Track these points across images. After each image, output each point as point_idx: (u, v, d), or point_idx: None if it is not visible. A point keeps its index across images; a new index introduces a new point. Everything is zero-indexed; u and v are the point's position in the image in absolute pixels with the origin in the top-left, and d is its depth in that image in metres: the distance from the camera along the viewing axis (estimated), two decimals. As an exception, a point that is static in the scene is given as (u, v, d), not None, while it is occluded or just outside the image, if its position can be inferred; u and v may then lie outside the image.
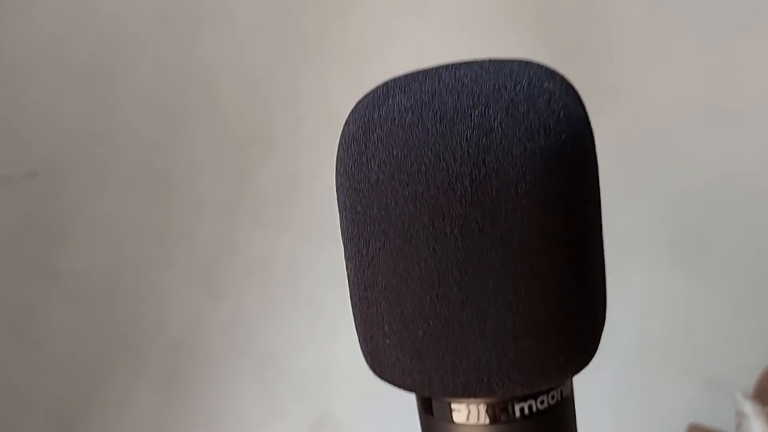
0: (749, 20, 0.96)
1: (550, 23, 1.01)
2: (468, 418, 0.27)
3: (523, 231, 0.24)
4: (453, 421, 0.27)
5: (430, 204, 0.24)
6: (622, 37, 1.02)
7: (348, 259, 0.27)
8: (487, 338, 0.25)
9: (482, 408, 0.26)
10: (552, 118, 0.24)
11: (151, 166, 1.05)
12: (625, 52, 1.01)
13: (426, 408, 0.28)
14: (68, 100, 1.06)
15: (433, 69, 0.26)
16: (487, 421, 0.26)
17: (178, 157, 1.05)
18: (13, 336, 1.00)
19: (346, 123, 0.27)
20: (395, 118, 0.25)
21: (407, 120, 0.25)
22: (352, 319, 0.28)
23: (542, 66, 0.27)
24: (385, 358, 0.26)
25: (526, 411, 0.26)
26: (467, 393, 0.25)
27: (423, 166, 0.24)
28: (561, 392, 0.27)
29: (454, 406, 0.27)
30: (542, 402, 0.27)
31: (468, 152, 0.24)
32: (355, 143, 0.25)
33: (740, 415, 0.75)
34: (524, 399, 0.26)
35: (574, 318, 0.25)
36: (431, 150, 0.24)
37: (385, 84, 0.27)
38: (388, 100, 0.26)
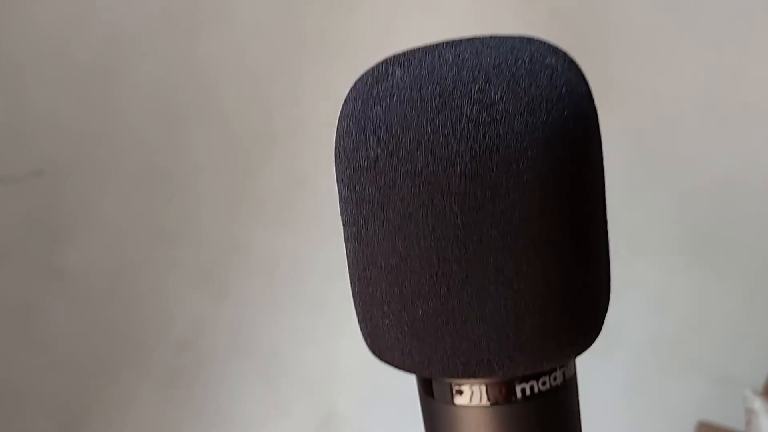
0: (760, 17, 0.95)
1: (558, 21, 1.01)
2: (469, 400, 0.26)
3: (525, 207, 0.23)
4: (454, 403, 0.26)
5: (429, 181, 0.23)
6: (632, 34, 1.01)
7: (347, 239, 0.26)
8: (487, 317, 0.24)
9: (483, 389, 0.26)
10: (554, 93, 0.24)
11: (154, 165, 1.05)
12: (635, 49, 1.01)
13: (427, 390, 0.27)
14: (71, 101, 1.06)
15: (432, 45, 0.26)
16: (488, 402, 0.26)
17: (180, 156, 1.05)
18: (17, 335, 1.00)
19: (345, 101, 0.26)
20: (394, 94, 0.24)
21: (406, 96, 0.24)
22: (356, 316, 0.28)
23: (544, 42, 0.26)
24: (385, 339, 0.26)
25: (528, 392, 0.26)
26: (467, 373, 0.25)
27: (422, 142, 0.23)
28: (564, 373, 0.27)
29: (454, 387, 0.26)
30: (544, 383, 0.26)
31: (468, 127, 0.23)
32: (354, 121, 0.25)
33: (750, 412, 0.74)
34: (526, 380, 0.26)
35: (576, 297, 0.25)
36: (430, 126, 0.23)
37: (384, 61, 0.26)
38: (387, 76, 0.25)
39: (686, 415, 0.87)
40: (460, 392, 0.26)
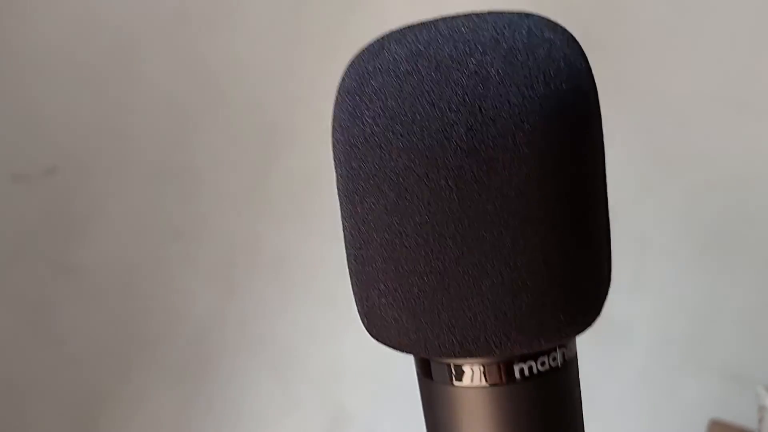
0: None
1: (569, 18, 1.00)
2: (467, 380, 0.26)
3: (521, 182, 0.23)
4: (452, 383, 0.26)
5: (424, 155, 0.23)
6: (643, 30, 1.00)
7: (344, 218, 0.26)
8: (483, 294, 0.24)
9: (481, 369, 0.26)
10: (552, 67, 0.24)
11: (167, 163, 1.05)
12: (646, 46, 1.00)
13: (425, 371, 0.27)
14: (84, 99, 1.07)
15: (429, 21, 0.26)
16: (487, 382, 0.26)
17: (192, 154, 1.05)
18: (31, 332, 1.01)
19: (342, 78, 0.26)
20: (390, 68, 0.24)
21: (402, 69, 0.24)
22: (353, 296, 0.28)
23: (543, 18, 0.26)
24: (381, 318, 0.26)
25: (527, 372, 0.25)
26: (464, 352, 0.25)
27: (417, 115, 0.23)
28: (563, 354, 0.26)
29: (452, 367, 0.26)
30: (543, 363, 0.26)
31: (464, 100, 0.23)
32: (350, 96, 0.25)
33: (763, 410, 0.74)
34: (524, 360, 0.25)
35: (575, 275, 0.25)
36: (426, 99, 0.23)
37: (381, 37, 0.26)
38: (383, 51, 0.25)
39: (698, 413, 0.86)
40: (459, 373, 0.26)
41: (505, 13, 0.26)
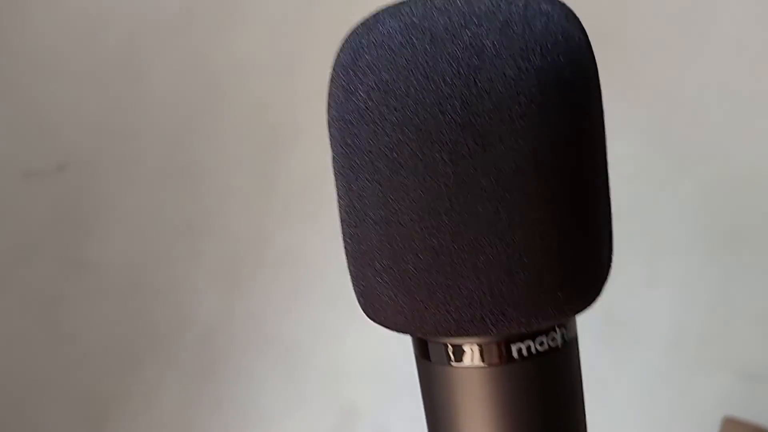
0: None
1: (582, 13, 1.00)
2: (464, 360, 0.25)
3: (517, 156, 0.23)
4: (449, 364, 0.26)
5: (418, 129, 0.23)
6: (655, 26, 1.00)
7: (339, 197, 0.26)
8: (479, 272, 0.23)
9: (478, 349, 0.25)
10: (549, 39, 0.23)
11: (177, 160, 1.06)
12: (658, 42, 0.99)
13: (423, 352, 0.27)
14: (95, 96, 1.07)
15: None
16: (484, 362, 0.25)
17: (203, 151, 1.06)
18: (43, 327, 1.01)
19: (337, 53, 0.26)
20: (384, 42, 0.24)
21: (396, 42, 0.24)
22: (349, 276, 0.27)
23: None
24: (377, 298, 0.25)
25: (525, 352, 0.25)
26: (460, 331, 0.24)
27: (411, 88, 0.23)
28: (563, 335, 0.26)
29: (449, 347, 0.25)
30: (541, 343, 0.25)
31: (458, 72, 0.23)
32: (344, 71, 0.25)
33: (778, 407, 0.73)
34: (522, 339, 0.25)
35: (573, 252, 0.24)
36: (420, 72, 0.23)
37: (376, 12, 0.26)
38: (378, 25, 0.25)
39: (712, 410, 0.85)
40: (456, 353, 0.25)
41: None
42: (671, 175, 0.96)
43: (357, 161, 0.24)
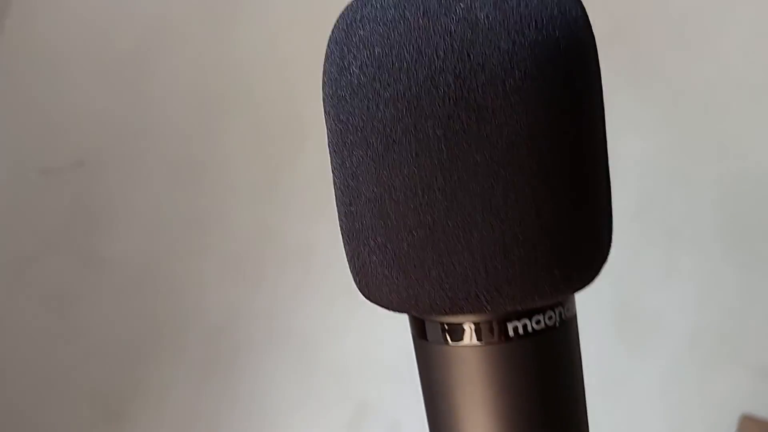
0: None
1: (595, 7, 0.99)
2: (462, 339, 0.25)
3: (511, 131, 0.22)
4: (446, 343, 0.25)
5: (412, 104, 0.23)
6: (673, 18, 0.99)
7: (334, 175, 0.26)
8: (474, 248, 0.23)
9: (474, 327, 0.25)
10: (545, 13, 0.23)
11: (191, 156, 1.06)
12: (676, 36, 0.98)
13: (420, 332, 0.26)
14: (110, 94, 1.08)
15: None
16: (480, 340, 0.25)
17: (216, 147, 1.06)
18: (58, 323, 1.02)
19: (331, 30, 0.26)
20: (377, 17, 0.24)
21: (389, 17, 0.23)
22: (345, 256, 0.27)
23: None
24: (373, 276, 0.25)
25: (521, 330, 0.25)
26: (455, 308, 0.24)
27: (404, 63, 0.23)
28: (560, 314, 0.25)
29: (446, 326, 0.25)
30: (538, 322, 0.25)
31: (452, 46, 0.22)
32: (338, 47, 0.24)
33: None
34: (518, 317, 0.25)
35: (570, 229, 0.24)
36: (413, 46, 0.23)
37: None
38: (371, 0, 0.24)
39: (729, 408, 0.84)
40: (452, 332, 0.25)
41: None
42: (689, 170, 0.95)
43: (351, 138, 0.24)
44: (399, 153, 0.23)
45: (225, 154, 1.06)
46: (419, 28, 0.23)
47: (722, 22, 0.96)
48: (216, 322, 1.00)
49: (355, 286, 0.26)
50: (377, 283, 0.25)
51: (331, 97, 0.25)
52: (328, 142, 0.26)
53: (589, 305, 0.94)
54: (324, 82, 0.25)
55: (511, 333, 0.25)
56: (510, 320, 0.25)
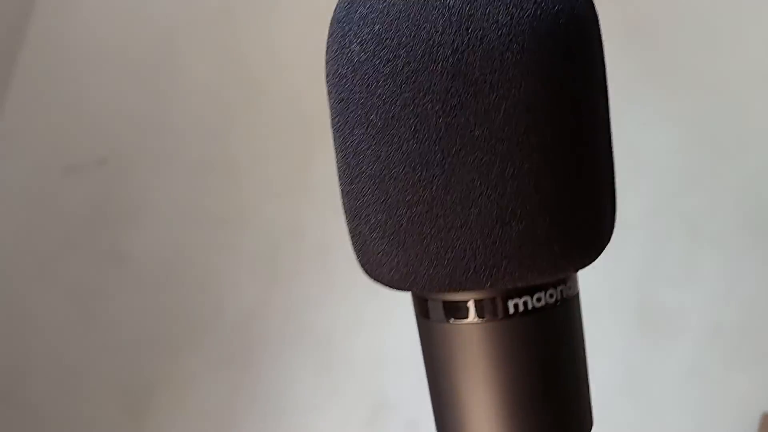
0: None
1: (619, 4, 0.98)
2: (463, 316, 0.25)
3: (510, 105, 0.22)
4: (447, 321, 0.25)
5: (410, 79, 0.23)
6: (697, 11, 0.98)
7: (336, 154, 0.26)
8: (472, 223, 0.23)
9: (475, 304, 0.25)
10: None
11: (212, 154, 1.07)
12: (698, 32, 0.97)
13: (422, 311, 0.26)
14: (133, 92, 1.09)
15: None
16: (480, 318, 0.25)
17: (237, 145, 1.07)
18: (82, 318, 1.04)
19: (333, 11, 0.26)
20: None
21: None
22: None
23: None
24: (374, 253, 0.25)
25: (521, 308, 0.24)
26: (454, 284, 0.24)
27: (403, 38, 0.23)
28: (562, 292, 0.25)
29: (447, 304, 0.25)
30: (539, 299, 0.25)
31: (450, 21, 0.22)
32: (339, 25, 0.25)
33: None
34: (519, 295, 0.25)
35: (569, 205, 0.24)
36: (412, 21, 0.23)
37: None
38: None
39: (751, 406, 0.83)
40: (453, 309, 0.25)
41: None
42: (710, 166, 0.94)
43: (351, 116, 0.24)
44: (398, 129, 0.23)
45: (245, 152, 1.07)
46: (418, 4, 0.23)
47: (747, 16, 0.95)
48: (237, 318, 1.01)
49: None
50: (378, 260, 0.25)
51: (333, 76, 0.25)
52: (331, 122, 0.26)
53: (612, 301, 0.93)
54: (326, 62, 0.26)
55: (511, 310, 0.25)
56: (511, 297, 0.25)
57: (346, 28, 0.24)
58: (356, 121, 0.24)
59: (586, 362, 0.27)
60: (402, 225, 0.24)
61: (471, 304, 0.25)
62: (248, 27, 1.10)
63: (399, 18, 0.23)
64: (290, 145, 1.05)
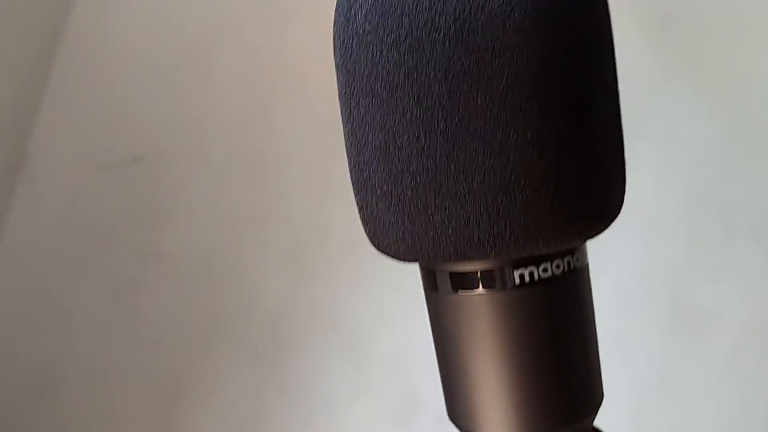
0: None
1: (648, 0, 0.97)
2: (469, 287, 0.25)
3: (512, 73, 0.22)
4: (455, 292, 0.25)
5: (413, 48, 0.23)
6: (732, 5, 0.96)
7: (344, 127, 0.26)
8: (476, 192, 0.23)
9: (481, 275, 0.25)
10: None
11: (244, 151, 1.08)
12: (729, 19, 0.96)
13: (430, 284, 0.27)
14: (167, 91, 1.11)
15: None
16: (487, 288, 0.25)
17: (269, 143, 1.08)
18: (118, 313, 1.05)
19: None
20: None
21: None
22: (357, 208, 0.28)
23: None
24: (381, 225, 0.25)
25: (527, 278, 0.24)
26: (459, 254, 0.24)
27: (406, 7, 0.23)
28: (569, 263, 0.25)
29: (454, 275, 0.25)
30: (545, 270, 0.25)
31: None
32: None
33: None
34: (526, 265, 0.24)
35: (574, 173, 0.23)
36: None
37: None
38: None
39: (788, 402, 0.81)
40: (460, 280, 0.25)
41: None
42: (747, 159, 0.92)
43: (357, 87, 0.24)
44: (402, 98, 0.23)
45: (280, 148, 1.08)
46: None
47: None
48: (272, 312, 1.02)
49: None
50: (385, 231, 0.25)
51: (339, 48, 0.25)
52: (339, 97, 0.26)
53: (645, 298, 0.92)
54: (333, 36, 0.26)
55: (517, 280, 0.25)
56: (517, 268, 0.24)
57: (352, 0, 0.24)
58: (362, 92, 0.24)
59: (595, 335, 0.27)
60: (407, 195, 0.24)
61: (478, 275, 0.25)
62: (279, 25, 1.11)
63: None
64: (325, 142, 1.06)
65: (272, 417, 0.98)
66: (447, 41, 0.22)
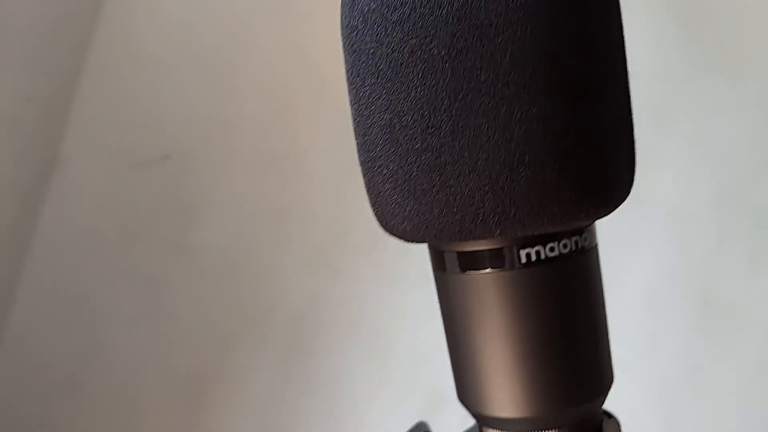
0: None
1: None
2: (477, 266, 0.25)
3: (516, 49, 0.22)
4: (462, 271, 0.25)
5: (417, 25, 0.23)
6: (758, 4, 0.95)
7: (351, 108, 0.26)
8: (481, 170, 0.23)
9: (489, 254, 0.25)
10: None
11: (272, 149, 1.09)
12: (759, 14, 0.94)
13: (438, 264, 0.27)
14: (195, 90, 1.12)
15: None
16: (494, 267, 0.25)
17: (295, 141, 1.08)
18: (147, 309, 1.07)
19: None
20: None
21: None
22: (365, 188, 0.28)
23: None
24: (387, 205, 0.25)
25: (534, 257, 0.24)
26: (465, 233, 0.24)
27: None
28: (577, 243, 0.25)
29: (461, 255, 0.25)
30: (552, 249, 0.24)
31: None
32: None
33: None
34: (532, 244, 0.24)
35: (580, 151, 0.23)
36: None
37: None
38: None
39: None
40: (468, 259, 0.25)
41: None
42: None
43: (363, 66, 0.25)
44: (406, 76, 0.23)
45: (306, 147, 1.08)
46: None
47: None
48: (296, 309, 1.03)
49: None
50: (391, 211, 0.25)
51: (346, 28, 0.25)
52: (346, 77, 0.26)
53: (672, 295, 0.90)
54: (341, 15, 0.26)
55: (524, 259, 0.24)
56: (524, 247, 0.24)
57: None
58: (367, 71, 0.24)
59: (605, 316, 0.26)
60: (412, 174, 0.24)
61: (485, 254, 0.25)
62: (309, 23, 1.11)
63: None
64: (346, 142, 1.06)
65: (295, 413, 0.99)
66: (450, 18, 0.22)
